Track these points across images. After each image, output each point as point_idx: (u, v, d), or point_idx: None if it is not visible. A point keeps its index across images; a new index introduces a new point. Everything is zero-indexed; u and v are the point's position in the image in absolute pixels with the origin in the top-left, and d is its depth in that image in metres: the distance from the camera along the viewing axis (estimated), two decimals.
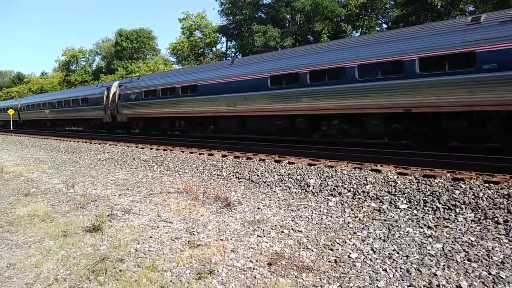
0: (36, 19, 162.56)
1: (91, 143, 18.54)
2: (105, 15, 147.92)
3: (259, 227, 5.32)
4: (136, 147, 15.42)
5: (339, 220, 5.59)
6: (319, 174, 8.04)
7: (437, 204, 5.83)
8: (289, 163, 9.43)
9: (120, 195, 7.66)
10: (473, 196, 5.87)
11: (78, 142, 19.53)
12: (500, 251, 4.20)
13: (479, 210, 5.44)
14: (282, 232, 5.12)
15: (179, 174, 10.03)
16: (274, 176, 8.53)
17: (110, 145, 17.06)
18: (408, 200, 6.18)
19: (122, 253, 4.43)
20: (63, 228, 5.39)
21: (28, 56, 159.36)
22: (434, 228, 5.05)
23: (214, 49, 51.31)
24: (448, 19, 22.57)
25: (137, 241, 4.83)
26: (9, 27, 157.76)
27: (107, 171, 10.90)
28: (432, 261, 4.04)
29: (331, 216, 5.80)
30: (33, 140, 23.29)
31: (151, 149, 14.38)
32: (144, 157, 12.69)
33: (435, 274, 3.72)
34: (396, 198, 6.34)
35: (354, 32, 35.62)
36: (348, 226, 5.33)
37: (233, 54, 47.05)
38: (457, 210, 5.58)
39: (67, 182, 9.09)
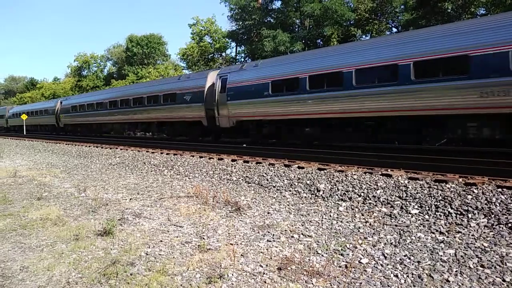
0: (49, 26, 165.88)
1: (102, 147, 18.74)
2: (116, 21, 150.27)
3: (269, 232, 5.31)
4: (147, 151, 15.54)
5: (349, 225, 5.56)
6: (329, 179, 8.00)
7: (449, 209, 5.75)
8: (298, 167, 9.41)
9: (131, 199, 7.72)
10: (486, 201, 5.78)
11: (89, 146, 19.76)
12: None
13: (492, 216, 5.36)
14: (292, 236, 5.11)
15: (189, 178, 10.07)
16: (283, 180, 8.51)
17: (121, 149, 17.22)
18: (419, 205, 6.11)
19: (133, 256, 4.47)
20: (75, 231, 5.45)
21: (40, 62, 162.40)
22: (446, 234, 4.98)
23: (223, 54, 51.64)
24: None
25: (148, 245, 4.86)
26: (22, 34, 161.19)
27: (118, 176, 11.00)
28: (444, 267, 3.98)
29: (341, 221, 5.76)
30: (45, 144, 23.63)
31: (161, 153, 14.48)
32: (155, 161, 12.78)
33: (448, 280, 3.67)
34: (407, 203, 6.27)
35: (364, 36, 35.57)
36: (359, 231, 5.29)
37: (242, 59, 47.26)
38: (470, 215, 5.50)
39: (79, 186, 9.20)
